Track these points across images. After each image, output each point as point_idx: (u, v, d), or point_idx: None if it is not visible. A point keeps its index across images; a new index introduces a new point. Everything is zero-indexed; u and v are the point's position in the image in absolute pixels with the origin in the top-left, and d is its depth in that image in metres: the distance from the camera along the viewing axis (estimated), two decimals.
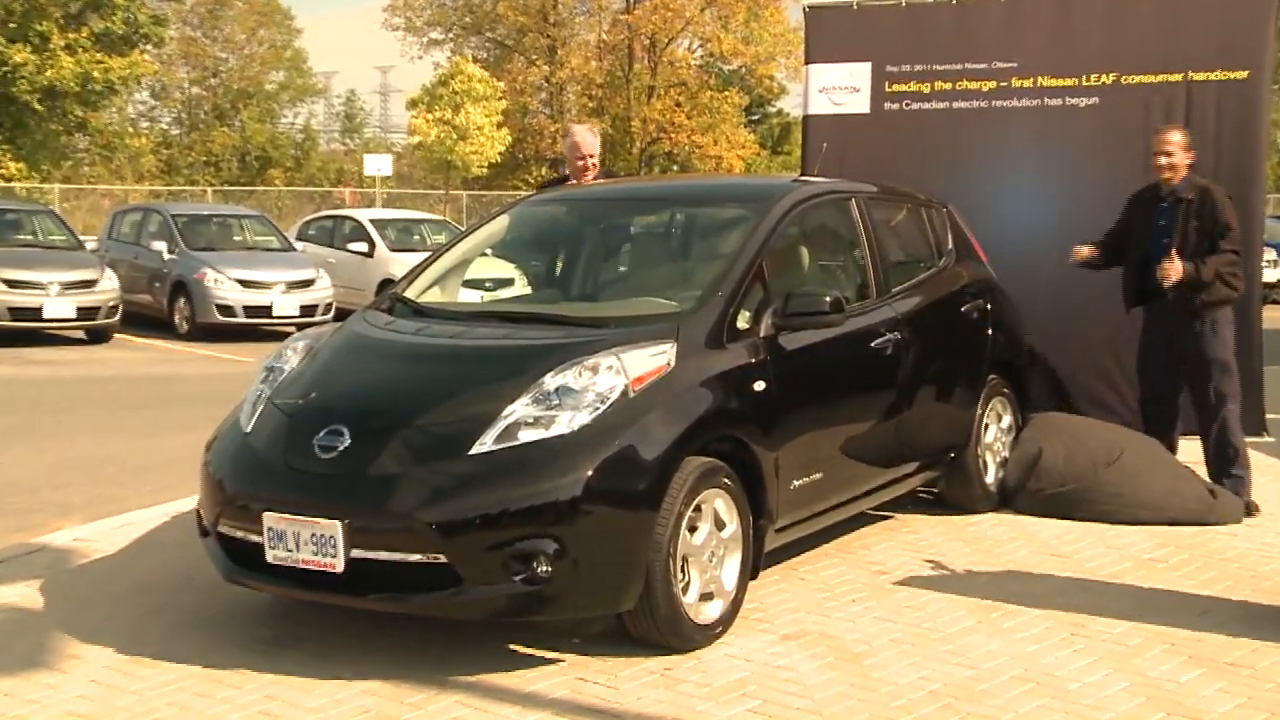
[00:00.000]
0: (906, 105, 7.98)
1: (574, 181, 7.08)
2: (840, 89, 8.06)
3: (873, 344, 5.72)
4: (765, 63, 46.45)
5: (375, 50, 76.46)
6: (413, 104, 38.51)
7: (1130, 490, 6.36)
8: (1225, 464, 6.57)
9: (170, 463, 8.30)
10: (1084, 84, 7.65)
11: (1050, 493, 6.50)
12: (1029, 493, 6.56)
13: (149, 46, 36.60)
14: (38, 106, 33.34)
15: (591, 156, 7.05)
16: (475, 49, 46.72)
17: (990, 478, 6.65)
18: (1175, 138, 6.61)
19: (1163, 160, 6.59)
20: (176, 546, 5.88)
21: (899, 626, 4.84)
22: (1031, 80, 7.74)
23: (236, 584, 4.64)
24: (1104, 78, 7.60)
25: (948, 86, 7.88)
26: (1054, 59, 7.70)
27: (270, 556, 4.40)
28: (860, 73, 8.03)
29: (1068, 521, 6.39)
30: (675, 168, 44.59)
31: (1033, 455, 6.60)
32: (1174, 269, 6.36)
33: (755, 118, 53.35)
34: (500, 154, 38.64)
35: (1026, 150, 7.76)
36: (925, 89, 7.94)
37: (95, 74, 32.79)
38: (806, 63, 8.29)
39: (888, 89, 8.01)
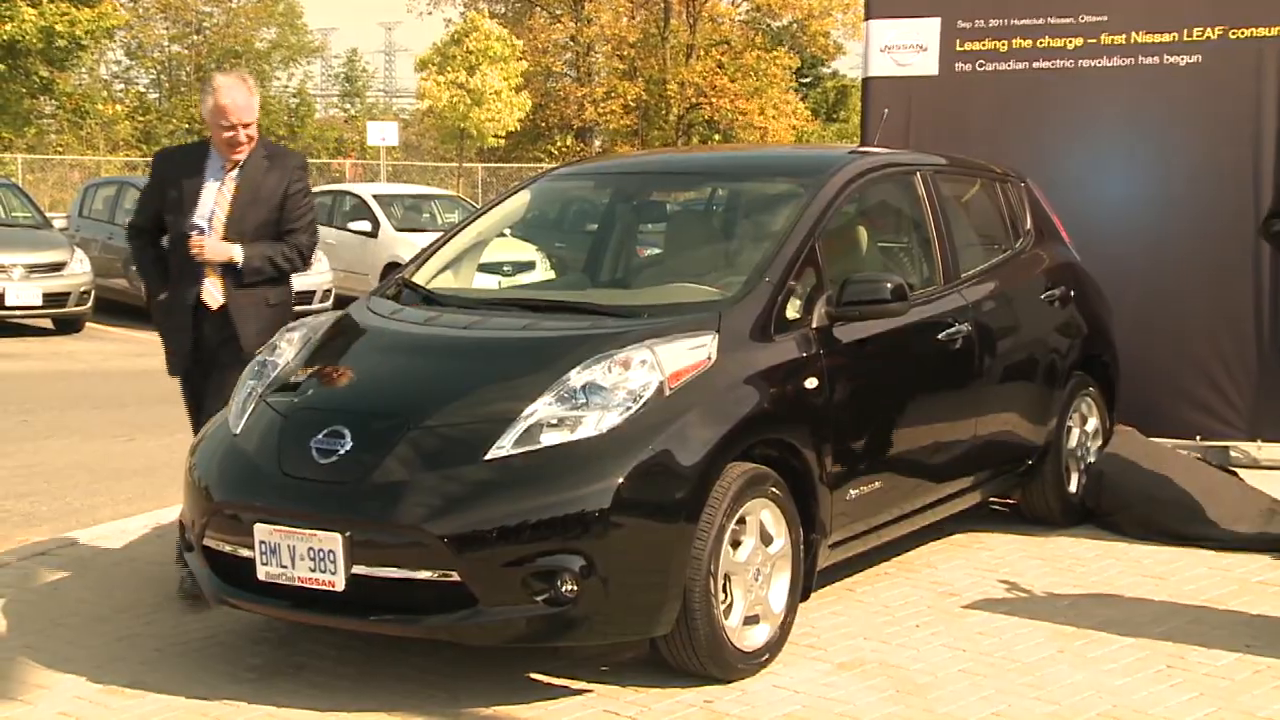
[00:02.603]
0: (980, 66, 7.96)
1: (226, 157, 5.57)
2: (905, 48, 8.04)
3: (940, 336, 5.73)
4: (819, 18, 46.36)
5: (379, 4, 76.79)
6: (422, 65, 38.69)
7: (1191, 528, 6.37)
8: None
9: (149, 468, 8.39)
10: (1185, 39, 7.60)
11: (1114, 518, 6.51)
12: (1104, 512, 6.56)
13: None
14: None
15: (245, 126, 5.51)
16: (492, 3, 46.84)
17: (1074, 488, 6.64)
18: None
19: None
20: (156, 563, 5.94)
21: (969, 655, 4.85)
22: (1124, 36, 7.70)
23: (224, 604, 4.68)
24: (1209, 32, 7.54)
25: (1027, 44, 7.85)
26: (1150, 11, 7.66)
27: (262, 573, 4.44)
28: (928, 29, 8.02)
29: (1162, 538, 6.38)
30: (716, 137, 44.57)
31: (1095, 476, 6.61)
32: None
33: (807, 80, 53.24)
34: (520, 121, 38.76)
35: (1118, 116, 7.72)
36: (1002, 47, 7.91)
37: (59, 27, 33.00)
38: (866, 18, 8.28)
39: (959, 47, 7.99)
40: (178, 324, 5.55)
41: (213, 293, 5.51)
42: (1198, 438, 7.47)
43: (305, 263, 5.68)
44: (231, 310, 5.51)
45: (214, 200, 5.54)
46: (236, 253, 5.47)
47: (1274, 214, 6.08)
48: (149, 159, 41.82)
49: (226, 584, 4.62)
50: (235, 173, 5.56)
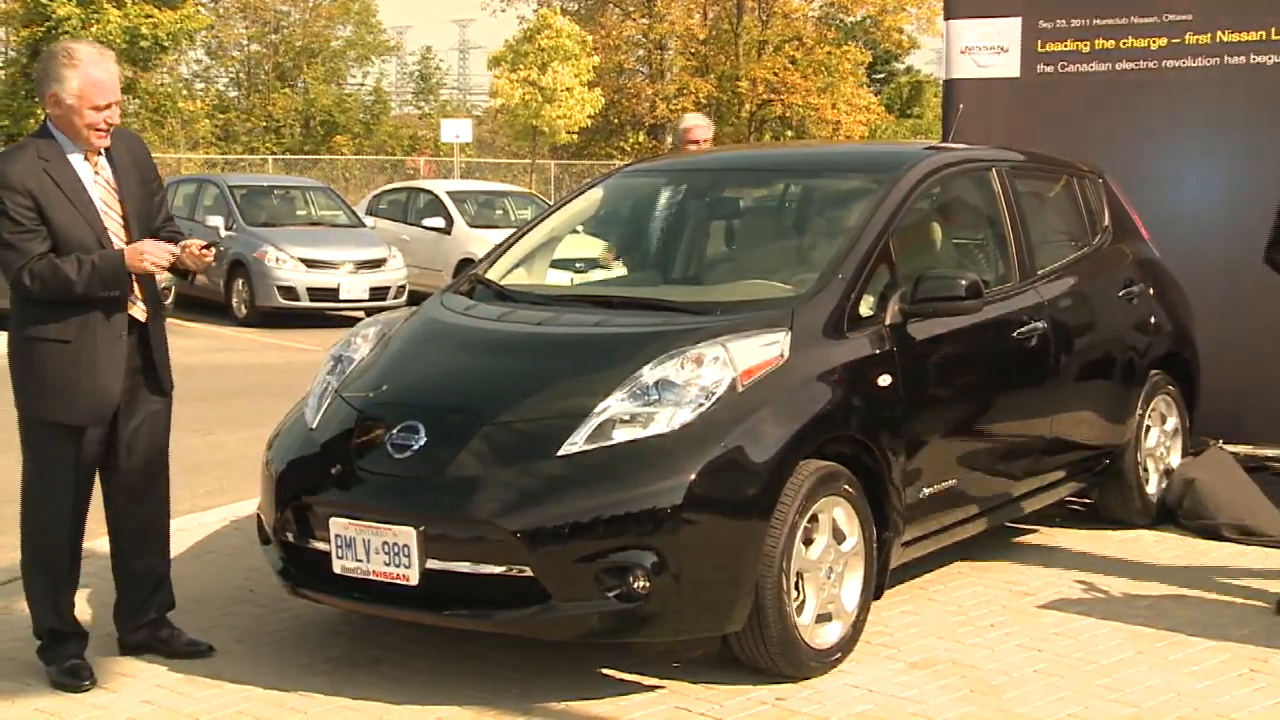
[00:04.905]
0: (1062, 67, 7.85)
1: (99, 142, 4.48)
2: (985, 49, 7.95)
3: (1015, 334, 5.68)
4: (894, 13, 46.09)
5: (453, 2, 77.28)
6: (494, 62, 38.90)
7: None
8: None
9: (227, 462, 8.49)
10: (1273, 38, 7.45)
11: (1196, 525, 6.43)
12: (1185, 514, 6.48)
13: None
14: None
15: (118, 104, 4.49)
16: (565, 0, 46.98)
17: (1152, 488, 6.56)
18: None
19: None
20: (235, 555, 6.02)
21: (1045, 656, 4.80)
22: (1209, 35, 7.56)
23: (300, 597, 4.74)
24: None
25: (1110, 45, 7.74)
26: (1237, 9, 7.51)
27: (338, 567, 4.48)
28: (1009, 30, 7.93)
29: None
30: (789, 133, 44.44)
31: (1185, 481, 6.53)
32: None
33: (880, 76, 52.96)
34: (591, 118, 38.85)
35: (1203, 117, 7.58)
36: (1084, 48, 7.80)
37: (144, 29, 33.51)
38: (946, 18, 8.20)
39: (1040, 48, 7.88)
40: (107, 356, 4.51)
41: (141, 307, 4.62)
42: None
43: None
44: (151, 328, 4.69)
45: (101, 200, 4.51)
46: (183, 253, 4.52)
47: (1276, 241, 5.90)
48: (229, 157, 42.33)
49: (303, 577, 4.67)
50: (102, 162, 4.53)
